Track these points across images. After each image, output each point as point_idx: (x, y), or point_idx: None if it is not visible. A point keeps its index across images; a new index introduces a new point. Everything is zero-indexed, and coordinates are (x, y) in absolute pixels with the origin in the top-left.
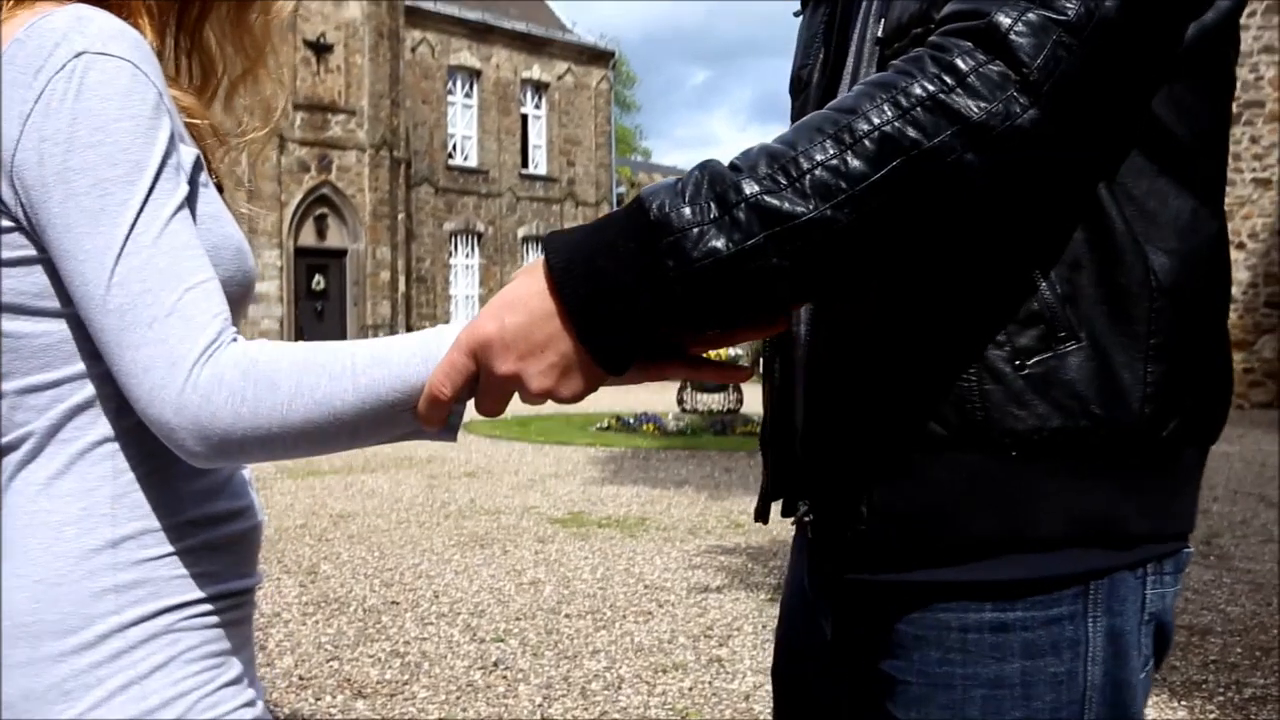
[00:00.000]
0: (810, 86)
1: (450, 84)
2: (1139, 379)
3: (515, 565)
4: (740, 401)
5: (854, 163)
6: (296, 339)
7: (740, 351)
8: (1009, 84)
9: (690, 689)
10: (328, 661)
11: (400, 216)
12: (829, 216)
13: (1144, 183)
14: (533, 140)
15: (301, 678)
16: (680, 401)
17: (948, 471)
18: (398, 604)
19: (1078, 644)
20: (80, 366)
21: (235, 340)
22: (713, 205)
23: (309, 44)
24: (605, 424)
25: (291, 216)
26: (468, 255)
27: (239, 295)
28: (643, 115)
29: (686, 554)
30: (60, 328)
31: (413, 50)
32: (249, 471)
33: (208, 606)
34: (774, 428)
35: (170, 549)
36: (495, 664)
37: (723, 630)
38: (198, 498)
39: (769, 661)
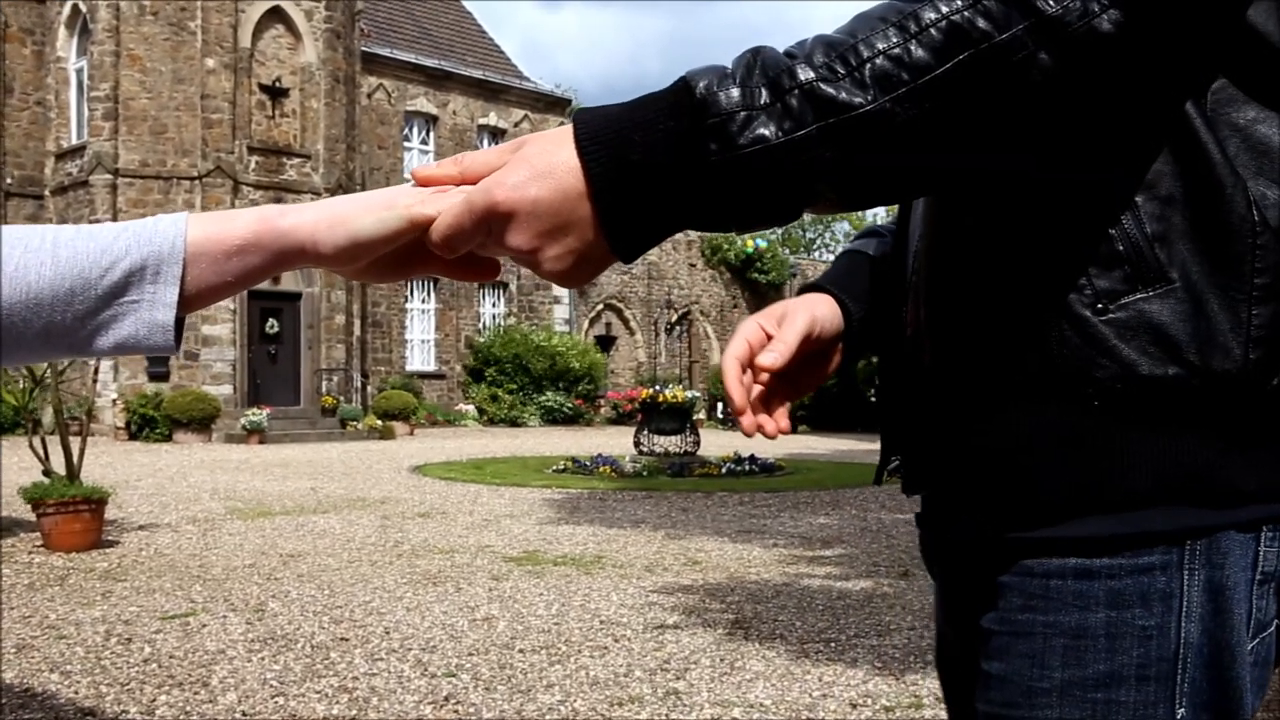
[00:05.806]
0: None
1: (407, 129)
2: (1241, 323)
3: (469, 602)
4: (697, 444)
5: (918, 53)
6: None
7: (697, 394)
8: None
9: None
10: (273, 698)
11: None
12: (888, 109)
13: (1249, 109)
14: None
15: (245, 714)
16: (637, 444)
17: (1025, 425)
18: (347, 640)
19: (1171, 597)
20: None
21: None
22: (764, 90)
23: (264, 88)
24: (561, 466)
25: None
26: (424, 300)
27: None
28: None
29: (643, 590)
30: None
31: (369, 96)
32: None
33: None
34: (885, 381)
35: None
36: (446, 699)
37: (680, 664)
38: None
39: (727, 693)
